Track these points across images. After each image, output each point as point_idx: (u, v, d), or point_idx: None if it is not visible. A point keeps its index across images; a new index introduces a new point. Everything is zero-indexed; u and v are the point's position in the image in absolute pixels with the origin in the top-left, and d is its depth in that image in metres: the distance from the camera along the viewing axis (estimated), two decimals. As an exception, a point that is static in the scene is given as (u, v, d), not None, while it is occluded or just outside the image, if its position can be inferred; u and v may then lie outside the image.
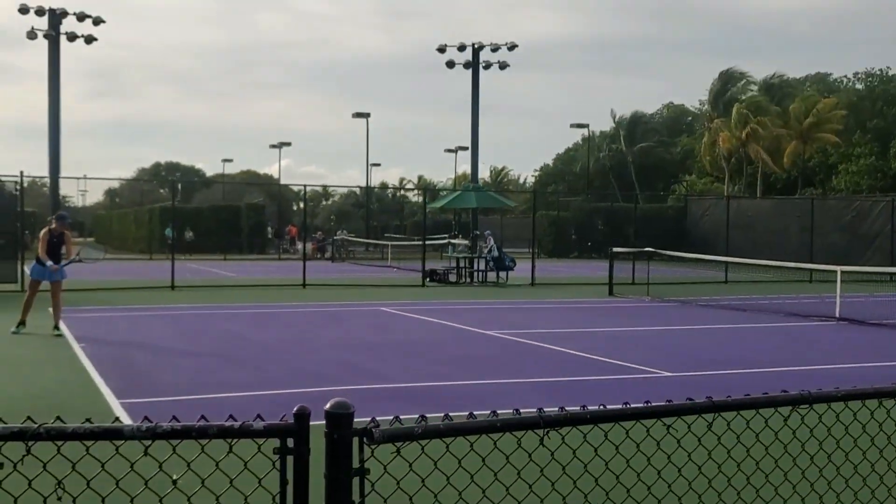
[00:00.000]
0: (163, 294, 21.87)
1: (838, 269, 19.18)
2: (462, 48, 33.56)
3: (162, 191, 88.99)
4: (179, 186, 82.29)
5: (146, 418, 2.24)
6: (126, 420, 7.12)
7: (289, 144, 64.78)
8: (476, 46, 33.72)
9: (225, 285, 25.52)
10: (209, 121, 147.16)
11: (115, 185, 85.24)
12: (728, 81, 58.82)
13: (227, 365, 11.17)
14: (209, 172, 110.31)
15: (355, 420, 2.30)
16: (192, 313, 17.68)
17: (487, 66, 34.04)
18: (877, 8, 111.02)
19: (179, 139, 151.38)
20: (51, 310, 13.60)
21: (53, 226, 13.78)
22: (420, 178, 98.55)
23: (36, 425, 2.15)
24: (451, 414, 2.54)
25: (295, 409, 2.27)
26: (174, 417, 2.25)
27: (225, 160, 76.25)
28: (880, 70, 62.48)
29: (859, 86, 62.79)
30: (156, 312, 17.62)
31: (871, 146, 55.74)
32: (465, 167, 62.17)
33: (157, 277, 24.42)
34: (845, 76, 66.24)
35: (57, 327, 13.37)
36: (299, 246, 43.98)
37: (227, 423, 2.26)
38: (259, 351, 12.51)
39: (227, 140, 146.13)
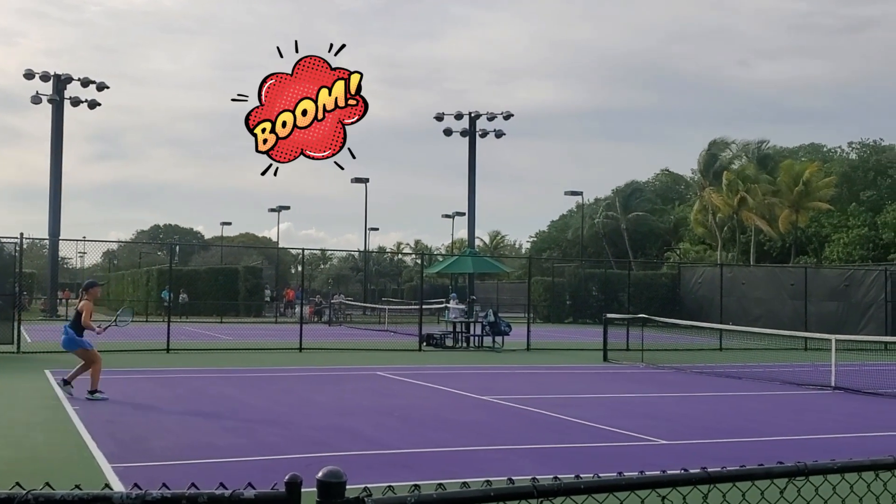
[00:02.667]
0: (158, 357, 21.76)
1: (832, 337, 19.20)
2: (459, 117, 34.00)
3: (160, 253, 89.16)
4: (177, 249, 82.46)
5: (136, 485, 2.23)
6: (117, 486, 7.04)
7: (287, 208, 65.02)
8: (473, 115, 34.16)
9: (221, 348, 25.41)
10: (209, 184, 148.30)
11: (114, 247, 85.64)
12: (717, 149, 59.54)
13: (220, 429, 11.07)
14: (207, 235, 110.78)
15: (348, 488, 2.28)
16: (187, 376, 17.58)
17: (484, 134, 34.46)
18: (869, 79, 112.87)
19: (179, 202, 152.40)
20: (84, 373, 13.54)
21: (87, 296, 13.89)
22: (417, 242, 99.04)
23: (24, 491, 2.13)
24: (444, 482, 2.53)
25: (286, 477, 2.25)
26: (164, 485, 2.24)
27: (224, 223, 76.46)
28: (873, 141, 63.29)
29: (853, 156, 63.47)
30: (150, 375, 17.52)
31: (865, 216, 56.20)
32: (462, 232, 62.45)
33: (153, 340, 24.35)
34: (839, 146, 67.12)
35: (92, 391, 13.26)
36: (297, 309, 43.93)
37: (218, 492, 2.24)
38: (253, 415, 12.41)
39: (227, 203, 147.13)
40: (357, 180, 57.20)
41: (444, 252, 78.90)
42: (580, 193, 61.10)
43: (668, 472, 2.74)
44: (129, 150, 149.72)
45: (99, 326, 13.82)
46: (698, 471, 2.74)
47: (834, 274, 37.85)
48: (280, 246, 68.87)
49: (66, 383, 13.55)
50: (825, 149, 67.57)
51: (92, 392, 13.25)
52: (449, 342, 27.95)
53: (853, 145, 64.83)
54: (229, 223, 78.80)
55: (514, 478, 2.55)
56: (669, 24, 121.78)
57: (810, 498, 3.30)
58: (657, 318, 26.60)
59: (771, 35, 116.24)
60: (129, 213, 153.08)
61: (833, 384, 17.20)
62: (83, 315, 13.57)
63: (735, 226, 57.37)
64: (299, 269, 51.21)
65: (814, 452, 10.16)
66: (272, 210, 64.38)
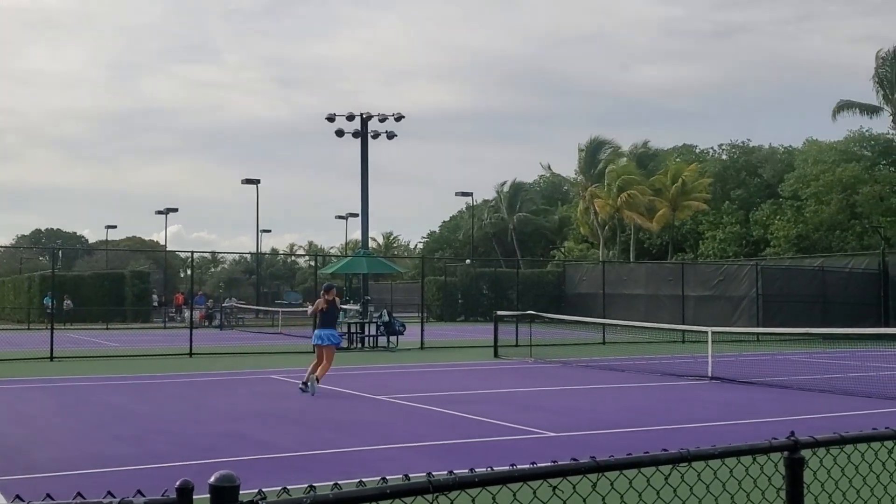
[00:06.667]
0: (41, 365, 21.00)
1: (709, 329, 19.99)
2: (351, 118, 33.81)
3: (42, 258, 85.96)
4: (60, 253, 79.62)
5: (18, 497, 2.16)
6: (-2, 500, 6.77)
7: (175, 210, 63.56)
8: (364, 116, 34.02)
9: (107, 355, 24.69)
10: (93, 187, 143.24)
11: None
12: (597, 150, 61.02)
13: (108, 439, 10.77)
14: (92, 239, 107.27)
15: (241, 492, 2.26)
16: (71, 385, 17.01)
17: (376, 135, 34.36)
18: (739, 82, 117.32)
19: (61, 206, 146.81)
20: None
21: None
22: (311, 244, 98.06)
23: None
24: (340, 482, 2.53)
25: (177, 483, 2.22)
26: (48, 495, 2.17)
27: (109, 226, 74.13)
28: (742, 142, 65.93)
29: (724, 157, 65.96)
30: (33, 384, 16.89)
31: (737, 214, 58.56)
32: (355, 233, 62.29)
33: (36, 348, 23.46)
34: (711, 147, 69.62)
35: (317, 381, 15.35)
36: (186, 314, 43.00)
37: (105, 501, 2.19)
38: (142, 423, 12.09)
39: (112, 206, 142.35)
40: (248, 181, 56.34)
41: (338, 253, 78.47)
42: (470, 194, 61.95)
43: (559, 462, 2.81)
44: (7, 151, 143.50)
45: None
46: (587, 460, 2.82)
47: (709, 269, 39.37)
48: (168, 249, 67.28)
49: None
50: (698, 149, 70.04)
51: None
52: (343, 343, 27.84)
53: (724, 146, 67.37)
54: (115, 226, 76.51)
55: (410, 475, 2.57)
56: (553, 29, 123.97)
57: (693, 483, 3.44)
58: (544, 315, 27.32)
59: (647, 40, 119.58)
60: (9, 217, 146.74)
61: (710, 374, 17.91)
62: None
63: (616, 225, 59.12)
64: (188, 272, 50.12)
65: (695, 440, 10.54)
66: (159, 213, 62.86)
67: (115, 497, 2.20)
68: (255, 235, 60.14)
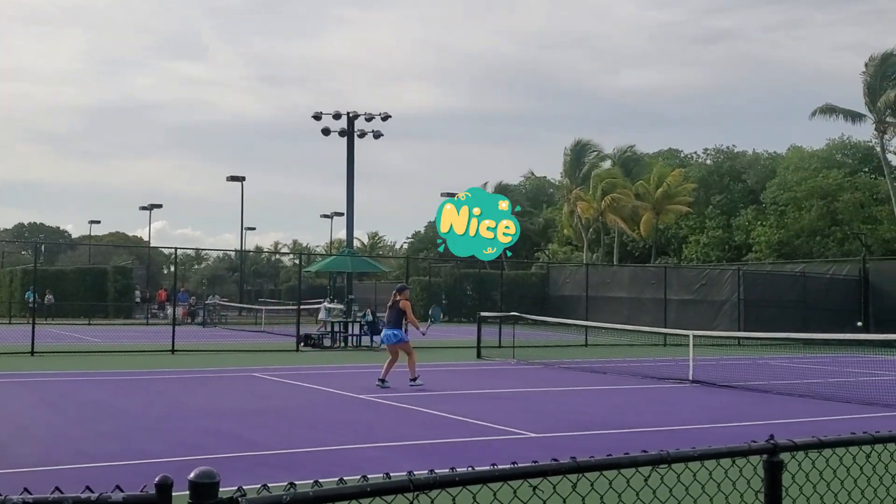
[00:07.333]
0: (22, 360, 20.87)
1: (690, 333, 20.09)
2: (337, 116, 33.75)
3: (24, 252, 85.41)
4: (42, 248, 79.21)
5: (-2, 491, 2.15)
6: (-24, 495, 6.73)
7: (160, 206, 63.22)
8: (351, 115, 33.97)
9: (89, 351, 24.54)
10: (77, 182, 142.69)
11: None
12: (581, 153, 61.19)
13: (88, 434, 10.71)
14: (75, 234, 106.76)
15: (221, 489, 2.25)
16: (52, 380, 16.91)
17: (362, 134, 34.32)
18: (725, 88, 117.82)
19: (45, 200, 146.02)
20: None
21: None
22: (295, 242, 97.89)
23: None
24: (321, 480, 2.53)
25: (157, 478, 2.21)
26: (25, 489, 2.16)
27: (92, 222, 73.71)
28: (727, 147, 66.26)
29: (709, 162, 66.29)
30: (14, 379, 16.78)
31: (720, 219, 58.91)
32: (340, 232, 62.26)
33: (17, 342, 23.30)
34: (695, 152, 69.97)
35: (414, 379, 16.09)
36: (169, 311, 42.83)
37: (84, 496, 2.17)
38: (124, 419, 12.04)
39: (97, 202, 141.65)
40: (233, 179, 56.14)
41: (323, 252, 78.38)
42: (455, 195, 61.84)
43: (540, 462, 2.82)
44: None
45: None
46: (568, 461, 2.84)
47: (691, 273, 39.59)
48: (152, 245, 66.98)
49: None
50: (682, 154, 70.34)
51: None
52: (327, 342, 27.80)
53: (708, 151, 67.70)
54: (98, 222, 76.23)
55: (391, 473, 2.57)
56: (543, 31, 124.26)
57: (673, 485, 3.45)
58: (527, 316, 27.47)
59: (636, 44, 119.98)
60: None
61: (691, 378, 18.00)
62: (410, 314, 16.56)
63: (600, 227, 59.37)
64: (172, 269, 49.92)
65: (675, 442, 10.62)
66: (144, 208, 62.57)
67: (92, 492, 2.19)
68: (239, 233, 59.89)
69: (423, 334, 17.94)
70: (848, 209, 51.98)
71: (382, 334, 17.04)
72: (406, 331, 17.07)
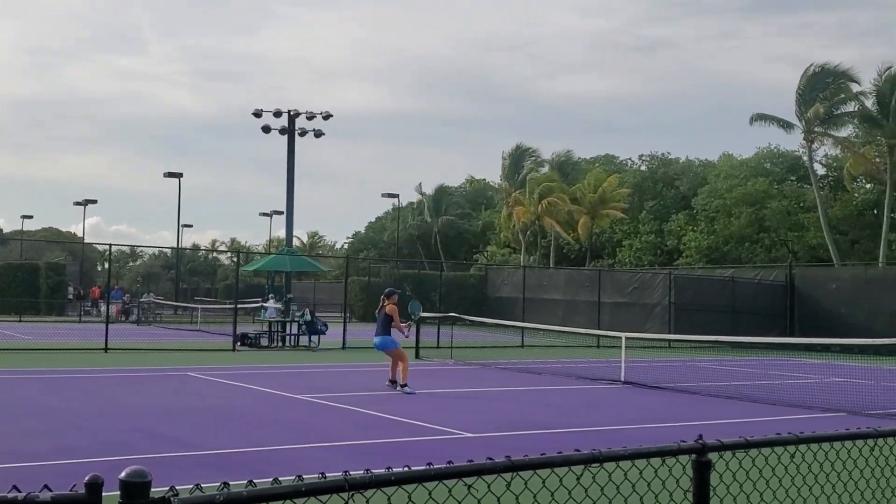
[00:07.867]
0: (-54, 358, 20.30)
1: (623, 335, 20.41)
2: (278, 114, 33.50)
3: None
4: (-30, 243, 77.07)
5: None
6: None
7: (94, 202, 62.07)
8: (292, 114, 33.76)
9: (20, 348, 24.00)
10: (9, 175, 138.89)
11: None
12: (520, 157, 61.76)
13: (18, 433, 10.48)
14: (7, 229, 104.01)
15: (154, 489, 2.23)
16: (-21, 379, 16.48)
17: (303, 133, 34.11)
18: (660, 95, 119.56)
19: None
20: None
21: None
22: (233, 240, 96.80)
23: None
24: (255, 480, 2.52)
25: (87, 477, 2.18)
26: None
27: (25, 216, 71.98)
28: (662, 154, 67.49)
29: (643, 167, 67.38)
30: (-63, 378, 16.32)
31: (653, 224, 59.95)
32: (280, 231, 61.78)
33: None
34: (630, 158, 71.07)
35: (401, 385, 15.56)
36: (102, 308, 42.03)
37: (10, 495, 2.13)
38: (54, 418, 11.80)
39: (29, 196, 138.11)
40: (170, 175, 55.31)
41: (261, 251, 77.66)
42: (396, 196, 61.99)
43: (475, 461, 2.85)
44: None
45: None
46: (502, 460, 2.87)
47: (624, 277, 40.21)
48: (86, 241, 65.67)
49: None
50: (618, 160, 71.37)
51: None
52: (264, 342, 27.57)
53: (643, 157, 68.79)
54: (31, 217, 74.30)
55: (326, 473, 2.58)
56: (483, 35, 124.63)
57: (604, 483, 3.52)
58: (466, 317, 27.69)
59: (574, 51, 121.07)
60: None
61: (623, 379, 18.31)
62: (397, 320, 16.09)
63: (537, 231, 60.01)
64: (106, 266, 49.06)
65: (607, 441, 10.77)
66: (78, 204, 61.32)
67: (20, 492, 2.15)
68: (176, 230, 59.02)
69: (406, 336, 18.08)
70: (775, 216, 53.24)
71: (374, 341, 16.68)
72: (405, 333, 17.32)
